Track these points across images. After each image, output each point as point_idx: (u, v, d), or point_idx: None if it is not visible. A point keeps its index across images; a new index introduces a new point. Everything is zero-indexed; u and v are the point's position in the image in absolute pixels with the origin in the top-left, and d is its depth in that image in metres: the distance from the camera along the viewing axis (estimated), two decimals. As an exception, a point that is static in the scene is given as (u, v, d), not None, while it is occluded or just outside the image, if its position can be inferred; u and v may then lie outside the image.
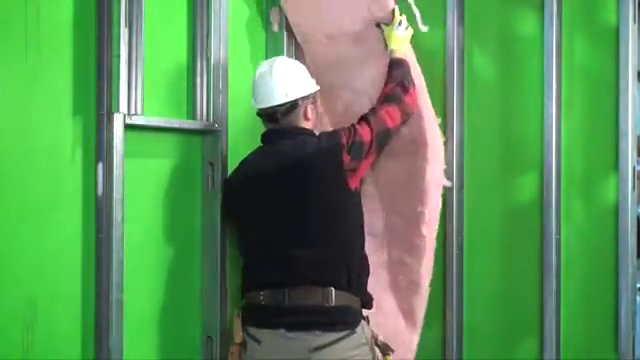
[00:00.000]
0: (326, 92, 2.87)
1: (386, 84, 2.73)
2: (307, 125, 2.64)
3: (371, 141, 2.59)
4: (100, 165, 2.32)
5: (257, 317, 2.54)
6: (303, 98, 2.62)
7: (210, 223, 2.66)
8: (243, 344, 2.57)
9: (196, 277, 2.67)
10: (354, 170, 2.56)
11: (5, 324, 2.12)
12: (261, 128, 2.89)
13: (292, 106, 2.59)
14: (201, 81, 2.65)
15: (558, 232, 2.94)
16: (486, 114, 3.13)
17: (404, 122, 2.71)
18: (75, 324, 2.28)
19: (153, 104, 2.45)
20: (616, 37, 2.87)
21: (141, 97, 2.35)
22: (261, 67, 2.65)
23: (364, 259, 2.63)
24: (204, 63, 2.65)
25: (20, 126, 2.16)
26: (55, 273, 2.24)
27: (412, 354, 2.91)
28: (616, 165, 2.87)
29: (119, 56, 2.29)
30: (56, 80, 2.24)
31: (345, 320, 2.49)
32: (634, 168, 2.85)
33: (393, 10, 2.82)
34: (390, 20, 2.82)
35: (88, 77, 2.31)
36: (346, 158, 2.53)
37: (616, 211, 2.87)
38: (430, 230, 2.97)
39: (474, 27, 3.15)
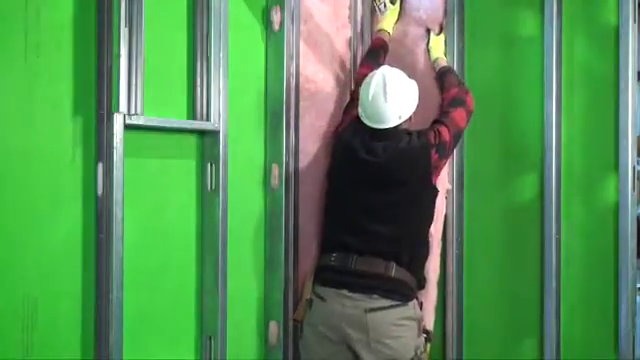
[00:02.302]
0: None
1: (448, 88, 2.99)
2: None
3: (450, 141, 2.85)
4: (100, 165, 2.32)
5: (326, 277, 2.83)
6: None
7: (210, 223, 2.66)
8: (310, 302, 2.84)
9: (196, 277, 2.67)
10: (437, 168, 2.83)
11: (5, 324, 2.12)
12: (261, 128, 2.90)
13: (399, 124, 2.82)
14: (201, 81, 2.65)
15: (558, 232, 2.95)
16: (486, 114, 3.13)
17: (468, 122, 2.94)
18: (75, 324, 2.28)
19: (153, 104, 2.45)
20: (616, 37, 2.87)
21: (141, 97, 2.35)
22: (372, 83, 2.82)
23: (427, 245, 2.92)
24: (204, 63, 2.64)
25: (20, 126, 2.16)
26: (55, 273, 2.23)
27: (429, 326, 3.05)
28: (616, 165, 2.87)
29: (119, 56, 2.29)
30: (56, 80, 2.24)
31: (400, 291, 2.76)
32: (634, 168, 2.85)
33: (440, 24, 3.17)
34: (438, 31, 3.16)
35: (88, 77, 2.31)
36: (434, 156, 2.80)
37: (616, 211, 2.87)
38: (436, 229, 3.01)
39: (474, 27, 3.16)
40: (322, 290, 2.81)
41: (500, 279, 3.10)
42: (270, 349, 2.92)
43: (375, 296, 2.72)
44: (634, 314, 2.88)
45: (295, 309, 2.93)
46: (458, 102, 2.92)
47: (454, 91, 2.96)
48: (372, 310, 2.71)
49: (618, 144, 2.87)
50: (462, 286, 3.14)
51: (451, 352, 3.14)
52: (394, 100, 2.78)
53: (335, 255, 2.81)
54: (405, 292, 2.77)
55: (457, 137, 2.90)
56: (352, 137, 2.87)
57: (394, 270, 2.75)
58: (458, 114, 2.89)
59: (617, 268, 2.87)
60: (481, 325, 3.13)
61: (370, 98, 2.80)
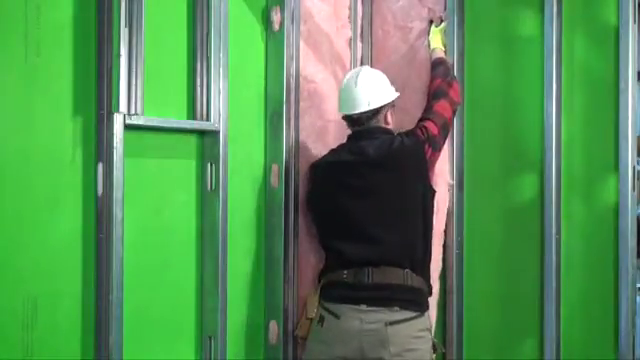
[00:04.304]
0: None
1: (432, 80, 3.01)
2: (388, 127, 2.89)
3: (439, 134, 2.86)
4: (100, 165, 2.32)
5: (339, 294, 2.74)
6: (384, 105, 2.86)
7: (210, 223, 2.66)
8: (319, 319, 2.75)
9: (196, 277, 2.67)
10: (432, 163, 2.85)
11: (5, 323, 2.12)
12: (261, 128, 2.91)
13: (374, 112, 2.84)
14: (201, 81, 2.65)
15: (558, 232, 2.94)
16: (486, 114, 3.13)
17: (454, 112, 2.97)
18: (75, 324, 2.28)
19: (153, 104, 2.45)
20: (616, 37, 2.86)
21: (141, 97, 2.35)
22: (347, 77, 2.93)
23: (431, 250, 2.87)
24: (204, 63, 2.65)
25: (20, 126, 2.16)
26: (55, 273, 2.24)
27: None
28: (616, 165, 2.87)
29: (119, 56, 2.29)
30: (56, 80, 2.24)
31: (419, 301, 2.75)
32: (634, 168, 2.85)
33: (440, 16, 3.17)
34: (438, 22, 3.17)
35: (88, 77, 2.31)
36: (428, 151, 2.81)
37: (616, 211, 2.87)
38: (438, 220, 3.02)
39: (474, 27, 3.16)
40: (335, 307, 2.72)
41: (500, 279, 3.10)
42: (270, 349, 2.92)
43: (396, 308, 2.67)
44: (634, 314, 2.87)
45: (297, 309, 2.93)
46: (440, 94, 2.93)
47: (437, 82, 2.98)
48: (392, 323, 2.65)
49: (618, 144, 2.86)
50: (462, 286, 3.14)
51: (451, 352, 3.14)
52: (363, 86, 2.84)
53: (347, 272, 2.73)
54: (422, 301, 2.76)
55: (445, 128, 2.90)
56: (336, 155, 2.88)
57: (412, 278, 2.72)
58: (440, 106, 2.90)
59: (617, 268, 2.87)
60: (481, 325, 3.13)
61: (343, 86, 2.89)
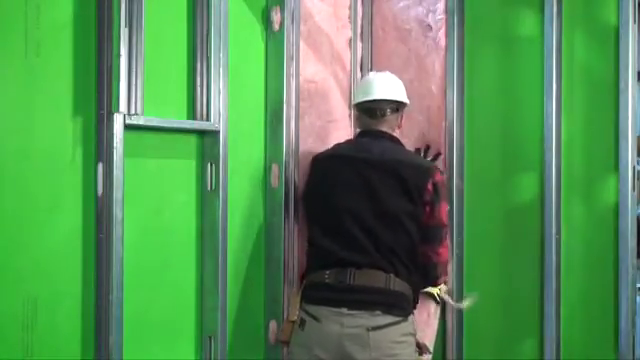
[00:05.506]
0: None
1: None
2: (396, 134, 2.87)
3: (443, 218, 2.77)
4: (100, 165, 2.32)
5: (320, 295, 2.67)
6: (400, 106, 2.86)
7: (210, 223, 2.66)
8: (300, 323, 2.68)
9: (196, 277, 2.67)
10: (425, 203, 2.71)
11: (5, 324, 2.12)
12: (261, 128, 2.91)
13: (392, 107, 2.83)
14: (201, 81, 2.65)
15: (558, 232, 2.95)
16: (486, 114, 3.13)
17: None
18: (75, 324, 2.28)
19: (153, 104, 2.45)
20: (616, 37, 2.87)
21: (141, 97, 2.35)
22: (368, 74, 3.04)
23: (419, 257, 2.75)
24: (204, 63, 2.64)
25: (20, 126, 2.16)
26: (55, 273, 2.23)
27: (430, 343, 3.00)
28: (616, 165, 2.87)
29: (119, 56, 2.29)
30: (56, 80, 2.24)
31: (402, 306, 2.65)
32: (634, 168, 2.85)
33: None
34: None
35: (88, 77, 2.31)
36: (429, 187, 2.71)
37: (616, 211, 2.87)
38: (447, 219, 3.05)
39: (474, 27, 3.16)
40: (315, 309, 2.65)
41: (500, 279, 3.10)
42: (270, 349, 2.92)
43: (378, 312, 2.58)
44: (634, 314, 2.87)
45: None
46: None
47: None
48: (374, 329, 2.57)
49: (618, 144, 2.86)
50: (462, 286, 3.14)
51: (451, 352, 3.14)
52: (386, 79, 2.88)
53: (329, 272, 2.66)
54: (405, 306, 2.66)
55: (445, 224, 2.80)
56: (339, 149, 2.87)
57: (395, 283, 2.64)
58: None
59: (617, 268, 2.87)
60: (481, 325, 3.13)
61: (362, 80, 3.01)
